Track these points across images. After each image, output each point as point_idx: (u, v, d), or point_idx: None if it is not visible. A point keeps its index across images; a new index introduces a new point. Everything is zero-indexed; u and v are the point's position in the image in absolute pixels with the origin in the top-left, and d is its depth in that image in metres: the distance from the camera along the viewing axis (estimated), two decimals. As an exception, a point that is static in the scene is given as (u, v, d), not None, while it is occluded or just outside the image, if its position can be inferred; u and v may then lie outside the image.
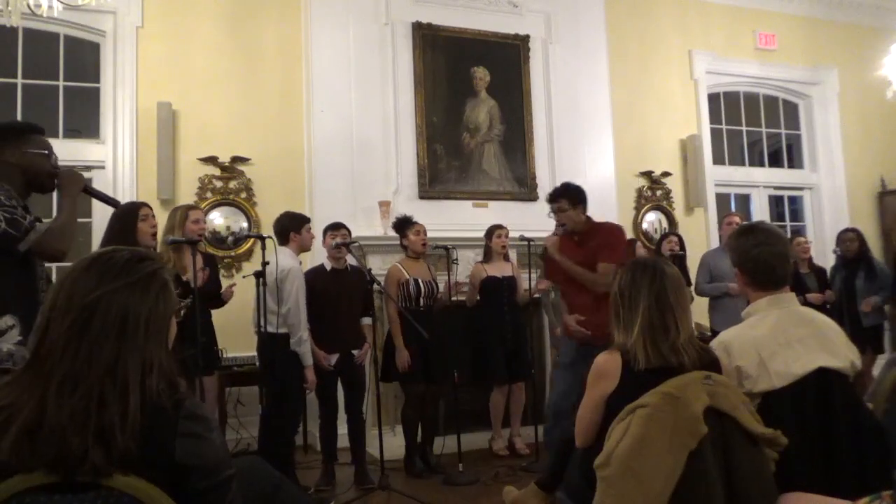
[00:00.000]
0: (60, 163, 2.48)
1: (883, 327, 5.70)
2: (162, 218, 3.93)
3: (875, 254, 6.24)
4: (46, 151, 2.41)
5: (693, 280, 5.34)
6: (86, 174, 5.12)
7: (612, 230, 3.88)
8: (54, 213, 2.47)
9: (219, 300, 3.98)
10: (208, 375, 3.75)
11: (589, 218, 3.88)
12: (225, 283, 4.60)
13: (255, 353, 4.16)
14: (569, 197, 3.81)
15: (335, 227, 4.25)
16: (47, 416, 1.13)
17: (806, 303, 5.23)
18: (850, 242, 5.68)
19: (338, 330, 4.14)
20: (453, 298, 4.45)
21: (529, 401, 4.94)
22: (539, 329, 5.33)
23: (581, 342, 3.72)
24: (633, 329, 2.00)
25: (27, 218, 2.24)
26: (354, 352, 4.20)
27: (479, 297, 4.80)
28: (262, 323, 3.76)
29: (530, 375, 4.85)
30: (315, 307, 4.03)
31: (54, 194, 2.43)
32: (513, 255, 5.35)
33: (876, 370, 4.78)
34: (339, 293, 4.16)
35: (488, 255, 4.95)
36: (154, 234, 3.42)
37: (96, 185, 5.12)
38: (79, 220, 2.48)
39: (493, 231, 4.92)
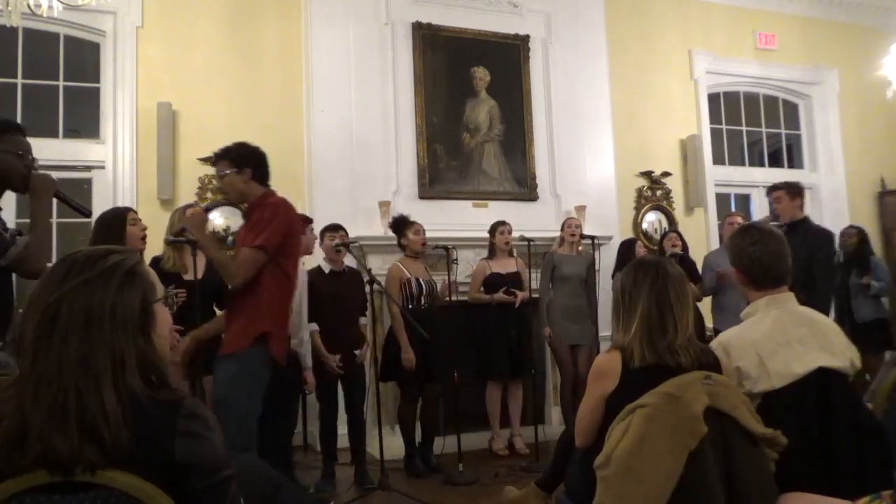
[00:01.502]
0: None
1: (884, 322, 5.65)
2: (160, 219, 3.92)
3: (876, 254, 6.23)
4: (21, 152, 2.34)
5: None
6: (86, 174, 5.18)
7: (269, 206, 2.83)
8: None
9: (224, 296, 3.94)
10: (211, 375, 3.75)
11: (268, 191, 2.91)
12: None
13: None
14: (231, 158, 2.86)
15: (333, 229, 4.26)
16: (27, 418, 1.13)
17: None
18: (848, 238, 5.67)
19: (338, 331, 4.14)
20: (453, 298, 4.46)
21: (529, 400, 4.94)
22: (540, 328, 5.32)
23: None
24: (631, 327, 2.01)
25: (8, 230, 2.20)
26: (356, 352, 4.21)
27: (482, 292, 4.82)
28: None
29: (530, 374, 4.86)
30: (314, 309, 4.03)
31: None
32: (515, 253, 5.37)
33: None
34: (337, 295, 4.16)
35: (492, 252, 4.96)
36: (144, 238, 3.41)
37: (97, 186, 5.19)
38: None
39: (497, 227, 4.94)
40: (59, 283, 1.21)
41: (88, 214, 2.82)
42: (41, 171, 2.46)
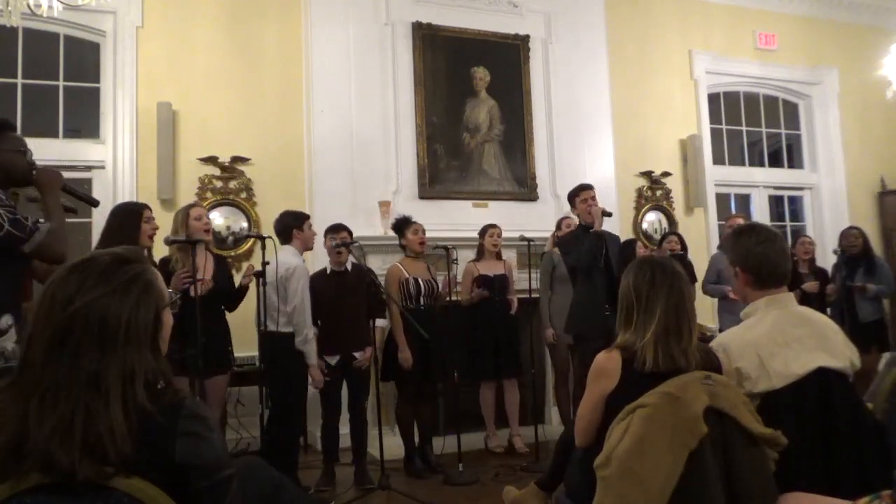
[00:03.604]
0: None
1: (884, 322, 5.66)
2: (163, 219, 3.93)
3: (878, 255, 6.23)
4: (22, 149, 2.37)
5: (699, 278, 5.37)
6: (86, 174, 5.18)
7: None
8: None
9: (235, 297, 3.94)
10: (222, 374, 3.76)
11: None
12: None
13: (255, 353, 4.16)
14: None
15: (335, 230, 4.26)
16: (29, 431, 1.12)
17: (803, 294, 5.24)
18: (854, 239, 5.66)
19: (338, 331, 4.14)
20: (453, 298, 4.46)
21: (529, 400, 4.94)
22: (539, 329, 5.33)
23: None
24: (647, 331, 1.98)
25: (29, 219, 2.22)
26: (356, 354, 4.19)
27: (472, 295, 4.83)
28: (261, 322, 3.76)
29: (524, 374, 4.87)
30: (314, 309, 4.04)
31: None
32: (513, 254, 5.36)
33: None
34: (337, 294, 4.16)
35: (480, 254, 4.98)
36: (152, 236, 3.42)
37: (97, 186, 5.18)
38: (79, 220, 2.46)
39: (487, 230, 4.96)
40: (76, 292, 1.19)
41: (96, 204, 2.82)
42: (45, 166, 2.48)
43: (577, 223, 4.59)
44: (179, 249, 3.61)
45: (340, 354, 4.14)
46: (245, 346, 4.54)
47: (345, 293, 4.18)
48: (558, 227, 5.15)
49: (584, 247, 4.25)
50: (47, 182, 2.37)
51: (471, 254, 5.16)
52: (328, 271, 4.26)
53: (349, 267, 4.25)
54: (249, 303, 4.05)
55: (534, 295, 4.87)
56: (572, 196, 4.52)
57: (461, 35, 5.81)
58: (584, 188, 4.49)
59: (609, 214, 4.41)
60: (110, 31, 5.23)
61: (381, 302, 4.30)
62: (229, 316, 3.98)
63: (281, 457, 3.59)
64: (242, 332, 4.42)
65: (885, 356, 4.94)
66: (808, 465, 1.87)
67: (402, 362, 4.26)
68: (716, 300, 5.55)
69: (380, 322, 4.30)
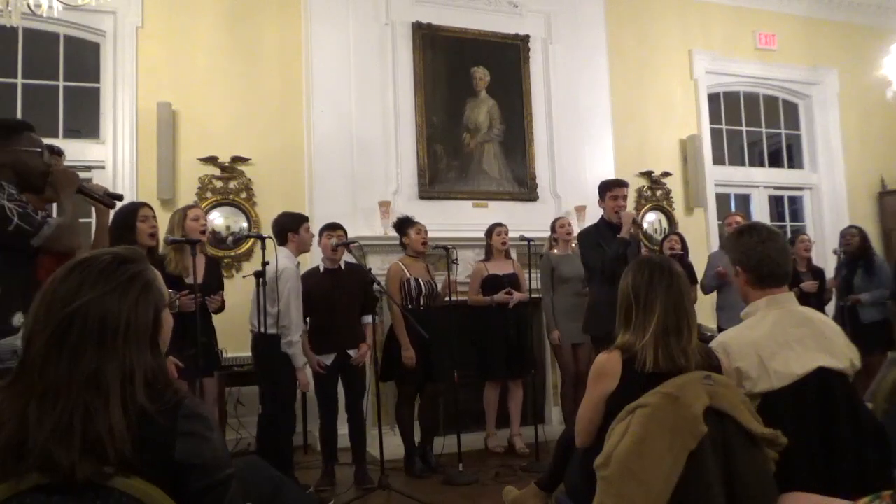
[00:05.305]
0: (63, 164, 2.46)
1: (888, 323, 5.62)
2: (163, 218, 3.93)
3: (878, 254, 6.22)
4: (39, 149, 2.36)
5: (699, 278, 5.37)
6: (86, 174, 5.17)
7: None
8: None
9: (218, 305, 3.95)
10: (208, 377, 3.75)
11: None
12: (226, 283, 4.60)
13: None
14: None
15: (331, 228, 4.25)
16: (29, 431, 1.12)
17: (802, 293, 5.23)
18: (851, 237, 5.66)
19: (332, 329, 4.14)
20: (453, 298, 4.45)
21: (529, 400, 4.94)
22: (540, 329, 5.33)
23: None
24: (647, 331, 1.98)
25: (39, 213, 2.22)
26: (350, 352, 4.19)
27: (480, 294, 4.82)
28: (259, 323, 3.76)
29: (530, 374, 4.86)
30: (307, 308, 4.04)
31: None
32: (513, 254, 5.35)
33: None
34: (331, 293, 4.15)
35: (489, 254, 4.97)
36: (153, 235, 3.41)
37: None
38: (81, 220, 2.46)
39: (494, 229, 4.94)
40: (75, 291, 1.19)
41: (113, 206, 2.80)
42: (63, 167, 2.49)
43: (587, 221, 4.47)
44: (175, 249, 3.61)
45: (335, 353, 4.13)
46: (244, 347, 4.53)
47: (338, 291, 4.17)
48: (553, 229, 5.13)
49: (608, 254, 4.13)
50: (61, 182, 2.39)
51: (471, 254, 5.17)
52: (321, 269, 4.26)
53: (342, 265, 4.25)
54: (248, 303, 4.05)
55: (534, 295, 4.87)
56: (603, 188, 4.39)
57: (461, 35, 5.81)
58: (619, 184, 4.35)
59: (640, 227, 4.23)
60: (110, 31, 5.23)
61: (373, 298, 4.29)
62: (231, 316, 3.99)
63: (276, 457, 3.58)
64: (241, 332, 4.42)
65: (890, 356, 4.94)
66: (808, 465, 1.87)
67: (405, 360, 4.26)
68: (714, 300, 5.54)
69: (366, 319, 4.26)
